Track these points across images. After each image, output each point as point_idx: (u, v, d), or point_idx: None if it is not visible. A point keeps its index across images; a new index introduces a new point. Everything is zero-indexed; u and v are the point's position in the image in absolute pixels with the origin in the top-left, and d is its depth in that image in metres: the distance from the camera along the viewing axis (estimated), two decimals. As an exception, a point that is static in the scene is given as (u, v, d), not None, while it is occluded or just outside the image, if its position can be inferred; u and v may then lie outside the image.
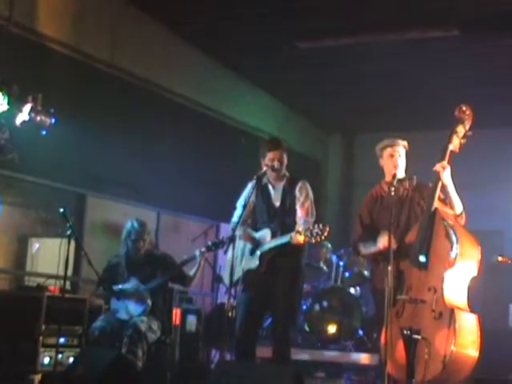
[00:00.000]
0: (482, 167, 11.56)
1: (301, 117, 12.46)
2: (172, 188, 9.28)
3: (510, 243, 10.86)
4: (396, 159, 5.85)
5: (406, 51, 9.34)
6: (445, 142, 5.56)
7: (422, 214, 5.57)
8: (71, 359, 7.00)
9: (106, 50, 8.31)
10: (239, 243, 6.14)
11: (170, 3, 8.50)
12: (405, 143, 5.92)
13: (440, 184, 5.47)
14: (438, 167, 5.48)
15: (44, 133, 6.81)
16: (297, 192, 6.13)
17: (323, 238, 5.59)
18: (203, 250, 6.85)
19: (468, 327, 5.12)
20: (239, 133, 10.75)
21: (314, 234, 5.58)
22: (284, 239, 5.87)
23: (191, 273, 6.94)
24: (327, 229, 5.56)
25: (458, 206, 5.58)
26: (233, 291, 5.92)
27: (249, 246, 6.16)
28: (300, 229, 5.71)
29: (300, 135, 12.39)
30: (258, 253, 6.05)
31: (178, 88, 9.49)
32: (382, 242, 5.51)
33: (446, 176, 5.50)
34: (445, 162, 5.49)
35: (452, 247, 5.22)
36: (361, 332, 8.67)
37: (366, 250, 5.88)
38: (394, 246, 5.36)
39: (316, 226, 5.62)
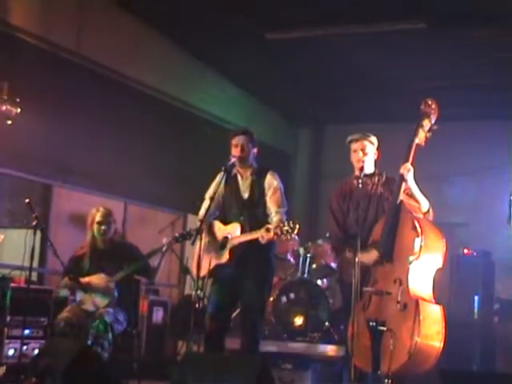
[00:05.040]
0: (448, 160, 11.64)
1: (270, 109, 12.45)
2: (139, 179, 9.24)
3: (475, 236, 10.95)
4: (357, 154, 5.85)
5: (375, 43, 9.37)
6: (411, 135, 5.60)
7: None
8: (36, 351, 6.95)
9: (72, 39, 8.23)
10: (207, 235, 6.12)
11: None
12: (372, 139, 5.90)
13: (404, 185, 5.50)
14: (402, 170, 5.50)
15: (9, 122, 6.77)
16: (266, 183, 6.10)
17: (293, 235, 5.55)
18: (169, 239, 6.82)
19: (432, 318, 5.17)
20: (206, 123, 10.71)
21: (284, 232, 5.53)
22: (254, 235, 5.82)
23: (155, 264, 6.89)
24: (297, 226, 5.51)
25: (424, 205, 5.61)
26: (200, 283, 5.90)
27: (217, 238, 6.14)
28: (270, 226, 5.69)
29: (269, 127, 12.37)
30: (228, 247, 6.01)
31: (146, 78, 9.44)
32: (371, 258, 5.46)
33: (410, 178, 5.53)
34: (409, 164, 5.51)
35: (417, 239, 5.25)
36: (328, 324, 8.69)
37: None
38: (374, 257, 5.41)
39: (286, 223, 5.59)
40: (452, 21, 8.55)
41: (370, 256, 5.45)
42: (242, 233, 5.97)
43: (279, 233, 5.55)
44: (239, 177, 6.20)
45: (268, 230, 5.64)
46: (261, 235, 5.71)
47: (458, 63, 9.88)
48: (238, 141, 6.10)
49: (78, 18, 8.33)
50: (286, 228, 5.52)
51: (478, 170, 11.53)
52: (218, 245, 6.10)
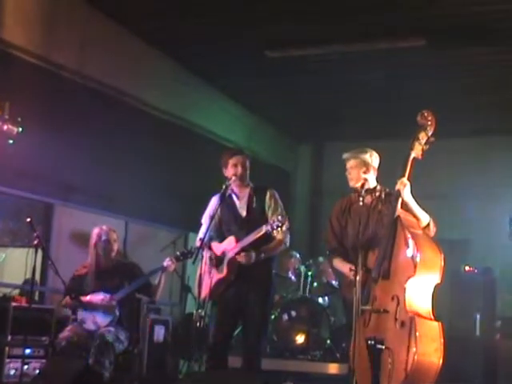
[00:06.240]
0: (448, 177, 11.65)
1: (270, 126, 12.48)
2: (140, 197, 9.24)
3: (476, 253, 10.95)
4: (348, 173, 5.86)
5: (375, 61, 9.41)
6: (407, 149, 5.55)
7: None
8: (37, 370, 6.94)
9: (74, 58, 8.26)
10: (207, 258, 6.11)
11: (139, 11, 8.48)
12: (362, 156, 5.84)
13: (400, 200, 5.45)
14: (398, 185, 5.45)
15: (11, 142, 6.78)
16: (267, 200, 6.11)
17: (284, 228, 5.66)
18: (171, 259, 6.82)
19: (430, 335, 5.11)
20: (207, 142, 10.73)
21: (275, 227, 5.64)
22: (247, 241, 5.86)
23: (156, 282, 6.90)
24: (286, 218, 5.68)
25: (424, 219, 5.54)
26: (201, 302, 5.89)
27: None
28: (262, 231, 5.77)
29: (269, 145, 12.41)
30: (225, 261, 6.02)
31: (147, 96, 9.47)
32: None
33: (406, 193, 5.46)
34: (405, 179, 5.45)
35: (413, 255, 5.22)
36: (329, 342, 8.68)
37: (340, 266, 5.88)
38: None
39: (275, 218, 5.68)
40: (452, 38, 8.58)
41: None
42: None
43: (270, 229, 5.68)
44: (234, 196, 6.20)
45: (260, 231, 5.74)
46: (253, 238, 5.79)
47: (458, 80, 9.91)
48: (237, 160, 6.11)
49: (80, 38, 8.36)
50: (276, 223, 5.66)
51: (479, 186, 11.53)
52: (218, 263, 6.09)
